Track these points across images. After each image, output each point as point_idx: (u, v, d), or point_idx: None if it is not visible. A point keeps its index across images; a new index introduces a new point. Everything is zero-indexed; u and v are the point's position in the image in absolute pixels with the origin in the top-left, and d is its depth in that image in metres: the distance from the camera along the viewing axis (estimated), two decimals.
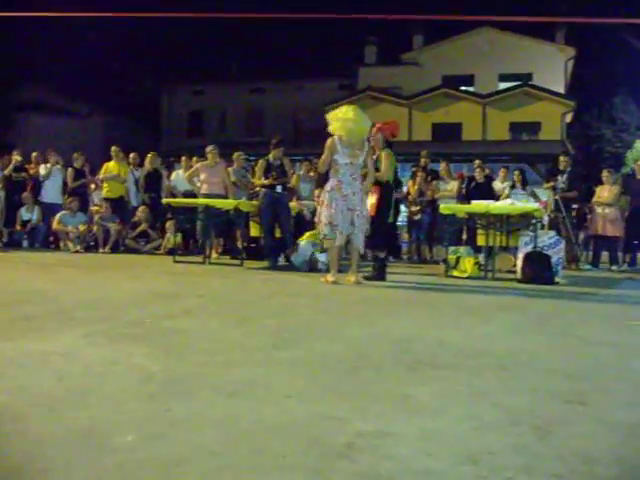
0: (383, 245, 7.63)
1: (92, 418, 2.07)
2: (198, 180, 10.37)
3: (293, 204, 10.04)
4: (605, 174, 11.70)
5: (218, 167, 10.31)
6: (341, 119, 6.90)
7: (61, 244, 11.74)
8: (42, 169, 12.68)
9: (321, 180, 8.40)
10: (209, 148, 10.42)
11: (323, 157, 6.98)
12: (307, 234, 8.79)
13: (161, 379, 2.58)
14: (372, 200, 7.30)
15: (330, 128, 6.93)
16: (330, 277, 6.85)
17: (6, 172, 12.48)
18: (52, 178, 12.56)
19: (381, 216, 7.34)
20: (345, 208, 6.82)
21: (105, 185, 12.44)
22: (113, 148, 12.74)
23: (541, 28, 30.64)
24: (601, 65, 39.73)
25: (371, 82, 30.88)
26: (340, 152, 6.83)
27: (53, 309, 4.44)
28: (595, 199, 11.51)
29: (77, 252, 11.11)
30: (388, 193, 7.56)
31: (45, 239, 12.37)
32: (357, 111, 7.02)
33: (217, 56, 43.37)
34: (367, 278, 7.22)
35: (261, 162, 9.52)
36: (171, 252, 10.69)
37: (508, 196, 10.18)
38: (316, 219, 7.29)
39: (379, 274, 7.37)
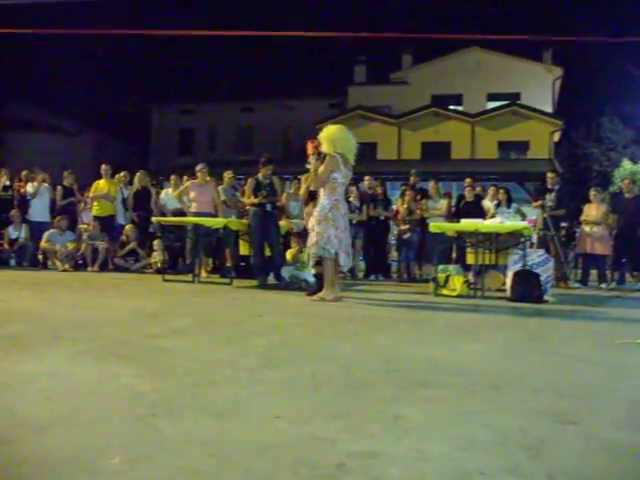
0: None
1: (79, 439, 2.05)
2: (188, 199, 10.36)
3: (283, 223, 10.03)
4: (593, 192, 11.77)
5: (208, 186, 10.32)
6: (340, 138, 6.96)
7: (49, 263, 11.67)
8: (29, 187, 12.62)
9: (309, 196, 8.28)
10: (199, 167, 10.43)
11: (322, 174, 6.90)
12: (289, 253, 8.81)
13: (149, 399, 2.55)
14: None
15: (328, 148, 6.91)
16: (324, 295, 6.84)
17: None
18: (39, 196, 12.50)
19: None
20: (344, 227, 6.91)
21: (95, 204, 12.40)
22: (103, 167, 12.72)
23: (529, 48, 31.03)
24: (588, 84, 40.16)
25: (361, 101, 31.11)
26: (342, 171, 6.87)
27: (40, 328, 4.40)
28: (583, 217, 11.57)
29: (65, 271, 11.04)
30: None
31: (33, 258, 12.28)
32: (348, 131, 7.20)
33: (207, 75, 43.59)
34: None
35: (250, 181, 9.52)
36: (159, 271, 10.66)
37: (494, 215, 10.21)
38: (312, 235, 6.98)
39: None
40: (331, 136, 6.97)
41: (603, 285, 11.03)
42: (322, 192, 6.99)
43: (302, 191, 9.33)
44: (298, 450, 2.00)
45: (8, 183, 12.82)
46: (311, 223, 7.09)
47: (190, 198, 10.29)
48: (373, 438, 2.15)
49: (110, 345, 3.78)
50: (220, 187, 11.16)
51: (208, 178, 10.41)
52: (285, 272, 8.85)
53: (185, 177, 12.02)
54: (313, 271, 7.75)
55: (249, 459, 1.91)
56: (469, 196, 11.26)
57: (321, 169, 6.95)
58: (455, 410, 2.54)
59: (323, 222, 6.85)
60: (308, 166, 7.37)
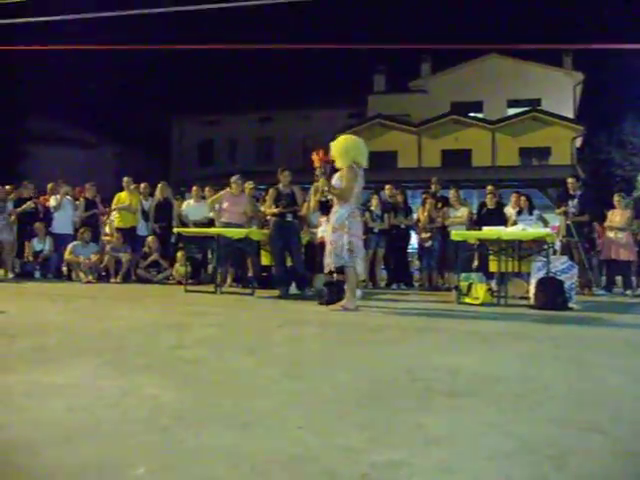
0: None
1: (104, 450, 2.06)
2: (219, 207, 10.40)
3: (304, 233, 10.04)
4: (617, 198, 11.66)
5: (242, 197, 10.36)
6: (353, 148, 7.00)
7: (73, 275, 11.76)
8: (52, 200, 12.75)
9: (324, 207, 8.47)
10: (233, 178, 10.47)
11: (347, 185, 6.90)
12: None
13: (173, 410, 2.56)
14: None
15: (348, 159, 6.93)
16: (345, 304, 6.84)
17: (19, 210, 12.55)
18: (62, 209, 12.62)
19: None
20: (360, 235, 6.96)
21: (117, 215, 12.50)
22: (125, 179, 12.82)
23: (548, 54, 30.83)
24: (609, 89, 39.83)
25: (380, 110, 31.11)
26: (359, 182, 6.93)
27: (64, 340, 4.44)
28: (607, 223, 11.46)
29: (89, 282, 11.12)
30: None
31: (57, 270, 12.40)
32: (361, 141, 7.25)
33: (227, 86, 43.82)
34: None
35: (271, 191, 9.54)
36: (181, 282, 10.72)
37: (516, 222, 10.14)
38: (328, 246, 7.00)
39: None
40: (343, 148, 7.00)
41: (628, 292, 10.90)
42: (337, 202, 7.02)
43: (312, 203, 9.40)
44: (322, 461, 1.99)
45: (31, 195, 12.95)
46: (327, 233, 7.16)
47: (223, 207, 10.32)
48: (397, 448, 2.14)
49: (133, 356, 3.81)
50: None
51: (242, 189, 10.45)
52: (318, 282, 8.82)
53: (207, 188, 12.07)
54: (323, 280, 7.84)
55: (273, 470, 1.91)
56: (491, 203, 11.19)
57: (344, 183, 6.96)
58: (479, 420, 2.52)
59: (338, 230, 6.88)
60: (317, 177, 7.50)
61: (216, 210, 10.54)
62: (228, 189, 10.47)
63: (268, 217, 9.80)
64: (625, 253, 11.11)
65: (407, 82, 33.92)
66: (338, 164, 7.05)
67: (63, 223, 12.61)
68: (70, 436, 2.20)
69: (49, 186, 13.47)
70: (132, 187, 12.74)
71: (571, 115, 29.96)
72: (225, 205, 10.27)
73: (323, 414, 2.57)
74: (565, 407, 2.77)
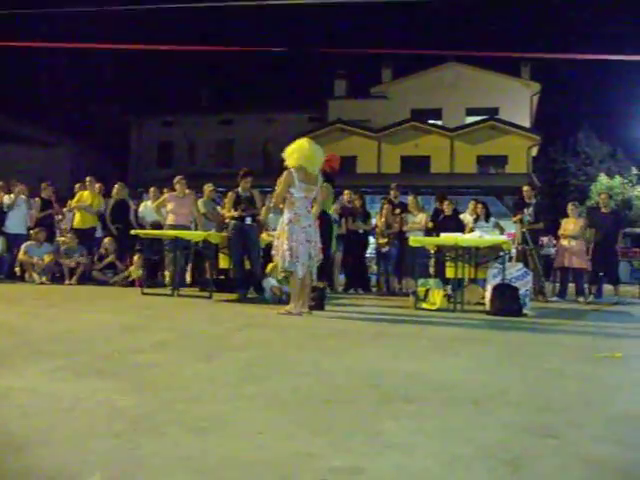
0: (323, 275, 7.81)
1: (58, 456, 2.03)
2: (165, 210, 10.29)
3: (263, 236, 10.01)
4: (570, 207, 11.88)
5: (187, 198, 10.25)
6: (298, 150, 6.97)
7: (26, 275, 11.52)
8: (6, 199, 12.46)
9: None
10: (177, 179, 10.35)
11: (279, 190, 7.04)
12: (269, 266, 8.80)
13: (129, 415, 2.53)
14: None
15: (288, 162, 6.99)
16: (291, 309, 6.85)
17: None
18: (16, 208, 12.34)
19: (322, 247, 7.39)
20: (304, 240, 6.87)
21: (77, 215, 12.29)
22: (88, 178, 12.60)
23: (507, 64, 31.37)
24: (565, 100, 40.73)
25: (341, 115, 31.21)
26: (297, 186, 6.88)
27: (17, 342, 4.35)
28: (561, 231, 11.67)
29: (42, 284, 10.91)
30: (327, 224, 7.73)
31: (10, 270, 12.13)
32: (312, 144, 7.13)
33: (187, 87, 43.55)
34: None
35: (230, 194, 9.50)
36: (133, 284, 10.60)
37: (472, 229, 10.27)
38: (273, 252, 7.21)
39: (318, 304, 7.45)
40: (291, 150, 7.02)
41: (581, 299, 11.11)
42: (284, 207, 7.06)
43: (264, 212, 9.46)
44: (281, 466, 1.99)
45: None
46: (276, 239, 7.18)
47: (167, 210, 10.21)
48: (356, 453, 2.15)
49: (89, 360, 3.75)
50: (200, 200, 11.12)
51: (187, 190, 10.34)
52: (266, 284, 8.82)
53: (165, 190, 11.95)
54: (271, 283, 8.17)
55: (232, 475, 1.90)
56: (448, 210, 11.32)
57: (277, 188, 7.08)
58: (437, 425, 2.55)
59: (282, 237, 6.92)
60: None
61: (162, 213, 10.41)
62: (171, 192, 10.39)
63: (227, 220, 9.75)
64: (578, 261, 11.31)
65: (368, 87, 34.11)
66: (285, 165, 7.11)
67: (17, 223, 12.34)
68: (24, 442, 2.16)
69: None
70: (96, 187, 12.56)
71: (528, 124, 30.47)
72: (170, 207, 10.15)
73: (282, 419, 2.56)
74: (520, 412, 2.81)
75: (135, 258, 11.16)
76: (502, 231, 10.77)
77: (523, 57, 29.71)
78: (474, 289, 9.24)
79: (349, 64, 34.39)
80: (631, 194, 31.77)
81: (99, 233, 12.39)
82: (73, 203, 12.45)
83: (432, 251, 9.49)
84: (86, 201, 12.29)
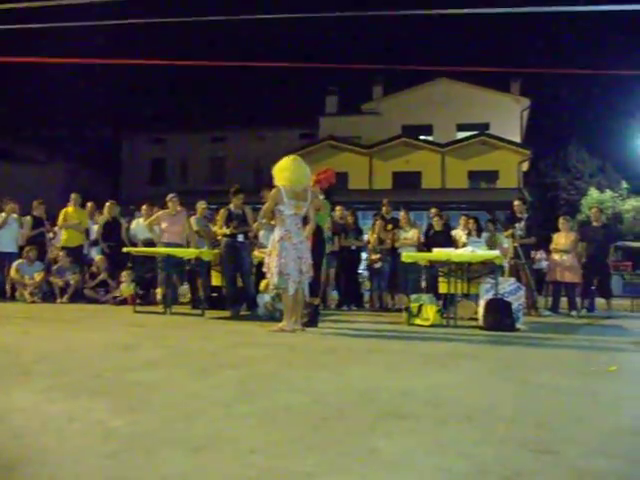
0: (317, 292, 7.79)
1: (51, 477, 2.01)
2: (159, 228, 10.26)
3: (256, 253, 10.01)
4: (561, 221, 11.93)
5: (179, 216, 10.22)
6: (284, 169, 7.00)
7: (17, 294, 11.47)
8: None
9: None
10: (169, 196, 10.33)
11: (266, 206, 7.10)
12: (263, 283, 8.78)
13: (123, 435, 2.51)
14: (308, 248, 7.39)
15: (276, 180, 7.02)
16: (283, 326, 6.84)
17: None
18: (8, 227, 12.30)
19: (315, 263, 7.38)
20: (295, 257, 6.87)
21: (64, 233, 12.26)
22: (73, 195, 12.59)
23: (497, 79, 31.62)
24: (555, 115, 41.03)
25: (332, 131, 31.35)
26: (286, 203, 6.90)
27: (9, 362, 4.32)
28: (553, 246, 11.71)
29: (34, 302, 10.87)
30: (321, 240, 7.75)
31: (1, 289, 12.06)
32: (297, 161, 7.14)
33: (179, 104, 43.69)
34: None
35: (222, 211, 9.51)
36: (125, 302, 10.56)
37: (465, 244, 10.29)
38: (265, 269, 7.22)
39: (311, 321, 7.46)
40: (277, 168, 7.04)
41: (573, 313, 11.13)
42: (275, 225, 7.08)
43: (256, 227, 9.47)
44: None
45: None
46: (267, 257, 7.18)
47: (161, 228, 10.18)
48: (349, 471, 2.14)
49: (81, 379, 3.73)
50: (193, 217, 11.10)
51: (179, 208, 10.32)
52: (260, 301, 8.81)
53: (156, 209, 11.92)
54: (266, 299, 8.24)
55: None
56: (438, 226, 11.35)
57: (265, 205, 7.14)
58: (431, 441, 2.54)
59: (273, 254, 6.93)
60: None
61: (155, 231, 10.38)
62: (163, 210, 10.36)
63: (219, 237, 9.75)
64: (569, 275, 11.34)
65: (359, 104, 34.28)
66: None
67: (8, 241, 12.28)
68: (15, 464, 2.14)
69: None
70: (88, 206, 12.56)
71: (518, 139, 30.67)
72: (164, 225, 10.11)
73: (275, 437, 2.55)
74: (515, 428, 2.81)
75: (124, 274, 11.10)
76: (496, 244, 10.78)
77: (513, 72, 29.92)
78: (467, 304, 9.25)
79: (340, 81, 34.65)
80: (622, 208, 31.94)
81: (87, 252, 12.38)
82: (59, 221, 12.42)
83: (425, 267, 9.50)
84: (72, 218, 12.26)
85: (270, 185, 7.35)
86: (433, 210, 12.01)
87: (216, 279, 10.37)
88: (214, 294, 10.39)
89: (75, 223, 12.22)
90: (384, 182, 28.88)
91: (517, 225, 11.18)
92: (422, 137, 30.81)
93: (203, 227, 11.23)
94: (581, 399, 3.59)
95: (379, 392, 3.56)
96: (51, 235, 13.09)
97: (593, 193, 32.24)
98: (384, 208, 12.35)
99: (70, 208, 12.39)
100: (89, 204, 12.81)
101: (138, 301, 10.22)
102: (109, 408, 2.95)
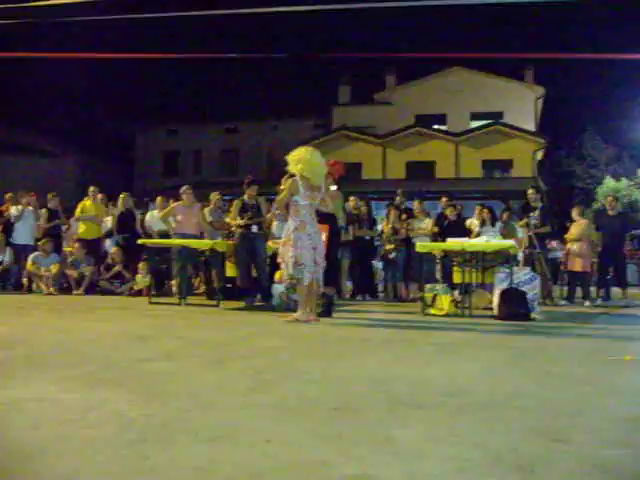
0: (332, 282, 7.85)
1: (68, 466, 2.02)
2: (174, 220, 10.29)
3: (269, 243, 10.02)
4: (576, 210, 11.87)
5: (194, 207, 10.24)
6: (302, 161, 6.97)
7: (34, 286, 11.57)
8: (14, 210, 12.51)
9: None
10: (184, 188, 10.35)
11: (282, 196, 7.11)
12: (278, 273, 8.80)
13: (139, 425, 2.53)
14: (322, 238, 7.39)
15: (292, 169, 7.00)
16: (298, 316, 6.85)
17: None
18: (24, 219, 12.39)
19: (330, 254, 7.38)
20: (310, 247, 6.87)
21: (81, 225, 12.34)
22: (91, 188, 12.67)
23: (510, 68, 31.38)
24: (570, 103, 40.70)
25: (345, 121, 31.27)
26: (301, 193, 6.90)
27: (26, 353, 4.36)
28: (568, 235, 11.65)
29: (50, 294, 10.96)
30: (336, 231, 7.77)
31: (17, 281, 12.17)
32: (312, 152, 7.13)
33: (192, 96, 43.73)
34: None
35: (236, 202, 9.53)
36: (139, 293, 10.62)
37: (479, 234, 10.25)
38: (279, 260, 7.22)
39: (326, 311, 7.49)
40: (293, 158, 7.03)
41: (587, 302, 11.06)
42: (290, 215, 7.08)
43: (270, 217, 9.46)
44: (290, 474, 1.99)
45: None
46: (281, 247, 7.19)
47: (176, 219, 10.20)
48: (365, 461, 2.14)
49: (98, 370, 3.75)
50: (207, 209, 11.13)
51: (194, 200, 10.33)
52: (275, 291, 8.82)
53: (171, 200, 11.96)
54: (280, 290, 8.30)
55: None
56: (452, 215, 11.31)
57: (281, 194, 7.15)
58: (447, 431, 2.54)
59: (287, 244, 6.94)
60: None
61: (170, 223, 10.38)
62: (178, 202, 10.37)
63: (233, 228, 9.77)
64: (582, 264, 11.28)
65: (372, 94, 34.15)
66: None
67: (24, 234, 12.39)
68: (34, 453, 2.15)
69: (7, 196, 13.16)
70: (99, 197, 12.63)
71: (532, 128, 30.46)
72: (179, 217, 10.12)
73: (291, 427, 2.56)
74: (531, 417, 2.80)
75: (140, 265, 11.19)
76: (514, 232, 10.75)
77: (528, 58, 29.69)
78: (482, 294, 9.22)
79: (353, 70, 34.52)
80: (637, 196, 31.68)
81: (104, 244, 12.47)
82: (77, 214, 12.51)
83: (439, 256, 9.48)
84: (89, 211, 12.34)
85: (289, 175, 7.33)
86: (444, 199, 11.97)
87: (230, 270, 10.40)
88: (228, 285, 10.43)
89: (92, 216, 12.30)
90: (398, 172, 28.79)
91: (531, 214, 11.12)
92: (436, 126, 30.65)
93: (217, 218, 11.26)
94: (597, 388, 3.57)
95: (394, 382, 3.56)
96: (66, 227, 13.18)
97: (608, 182, 32.00)
98: (398, 198, 12.33)
99: (88, 201, 12.48)
100: (99, 196, 12.88)
101: (153, 292, 10.27)
102: (125, 398, 2.97)
